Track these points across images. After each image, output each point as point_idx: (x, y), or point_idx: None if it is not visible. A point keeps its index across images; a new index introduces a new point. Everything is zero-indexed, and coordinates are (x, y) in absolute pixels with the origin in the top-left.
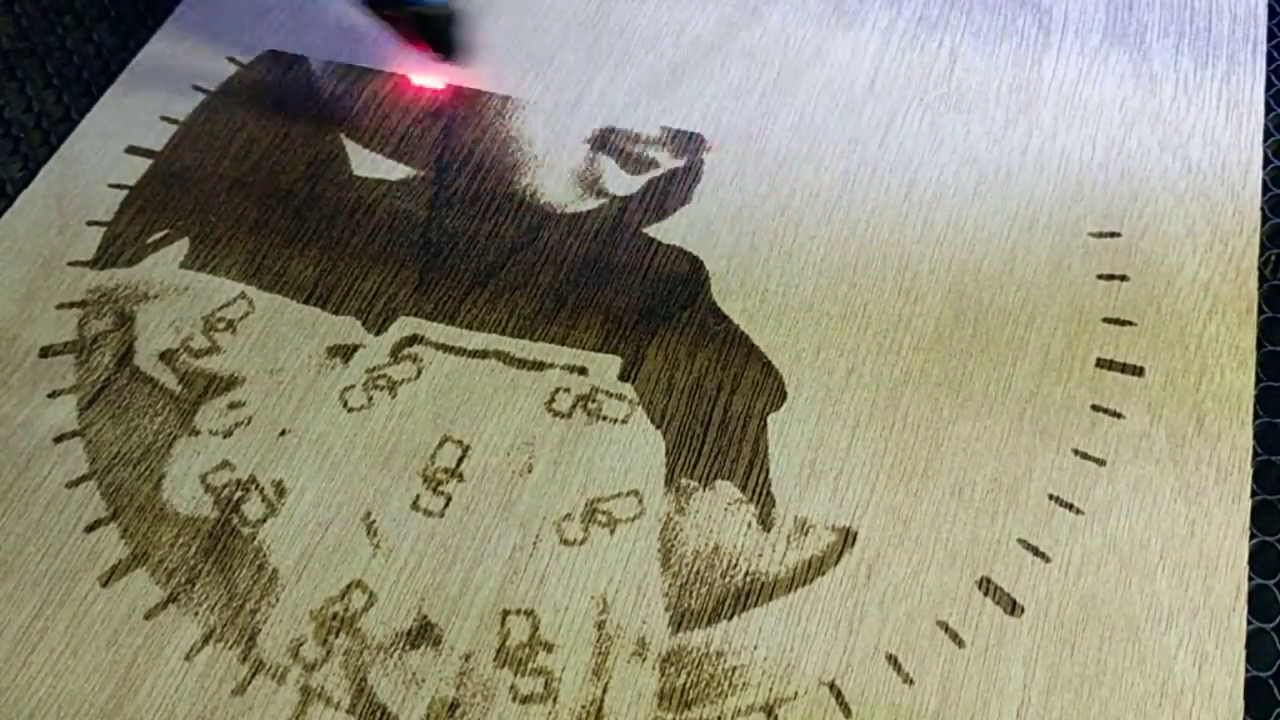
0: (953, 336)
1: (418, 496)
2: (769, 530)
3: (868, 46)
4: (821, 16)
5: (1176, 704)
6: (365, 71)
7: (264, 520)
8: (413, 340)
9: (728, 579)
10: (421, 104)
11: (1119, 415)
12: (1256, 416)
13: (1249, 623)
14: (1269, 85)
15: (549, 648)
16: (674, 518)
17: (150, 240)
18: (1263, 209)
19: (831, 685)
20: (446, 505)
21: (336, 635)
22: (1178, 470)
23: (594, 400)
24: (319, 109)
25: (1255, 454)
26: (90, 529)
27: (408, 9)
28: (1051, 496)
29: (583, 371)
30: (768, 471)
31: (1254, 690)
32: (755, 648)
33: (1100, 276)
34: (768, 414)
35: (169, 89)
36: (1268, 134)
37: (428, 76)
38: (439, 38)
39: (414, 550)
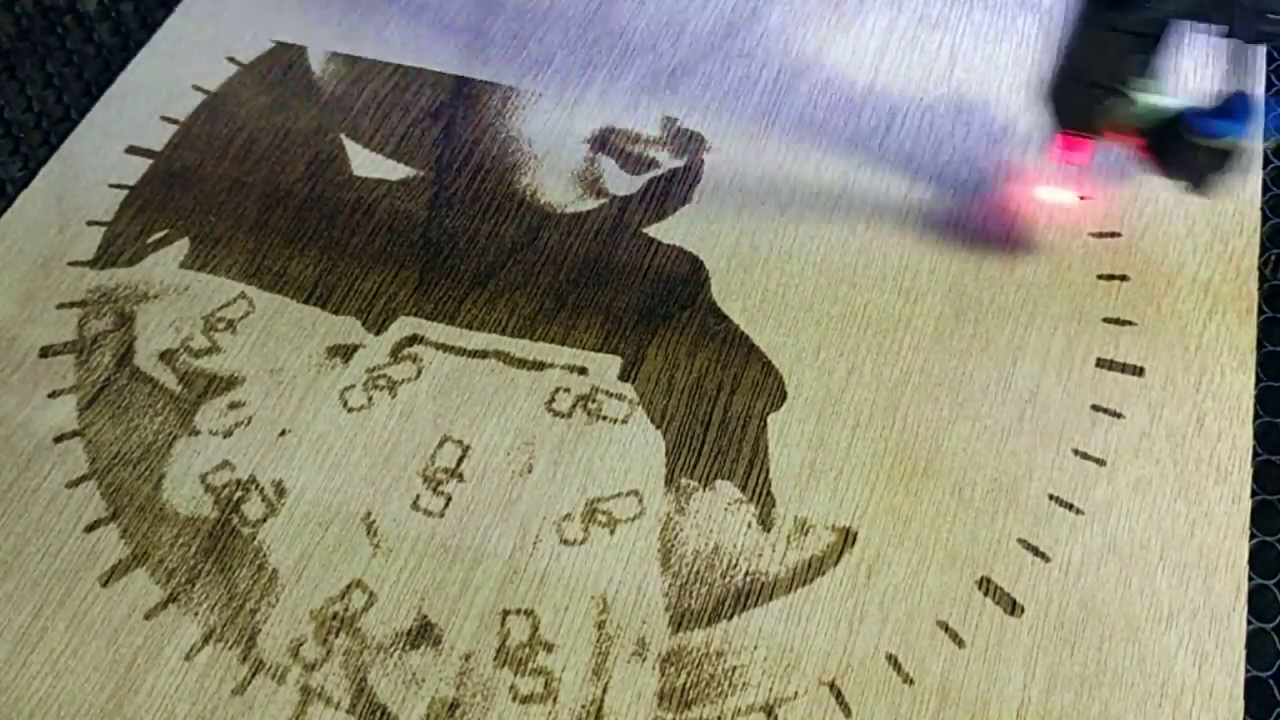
0: (953, 336)
1: (418, 496)
2: (769, 530)
3: (868, 46)
4: (821, 16)
5: (1176, 704)
6: (379, 65)
7: (264, 520)
8: (413, 340)
9: (728, 579)
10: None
11: (1119, 415)
12: (1256, 416)
13: (1249, 623)
14: (1269, 85)
15: (549, 648)
16: (674, 518)
17: (150, 240)
18: (1263, 209)
19: (831, 685)
20: (446, 505)
21: (336, 635)
22: (1178, 470)
23: (594, 400)
24: (319, 109)
25: (1255, 454)
26: (90, 529)
27: (1199, 138)
28: (1051, 496)
29: (583, 371)
30: (768, 471)
31: (1254, 690)
32: (755, 648)
33: (1100, 276)
34: (768, 414)
35: (169, 89)
36: (1268, 134)
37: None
38: (1211, 172)
39: (414, 550)
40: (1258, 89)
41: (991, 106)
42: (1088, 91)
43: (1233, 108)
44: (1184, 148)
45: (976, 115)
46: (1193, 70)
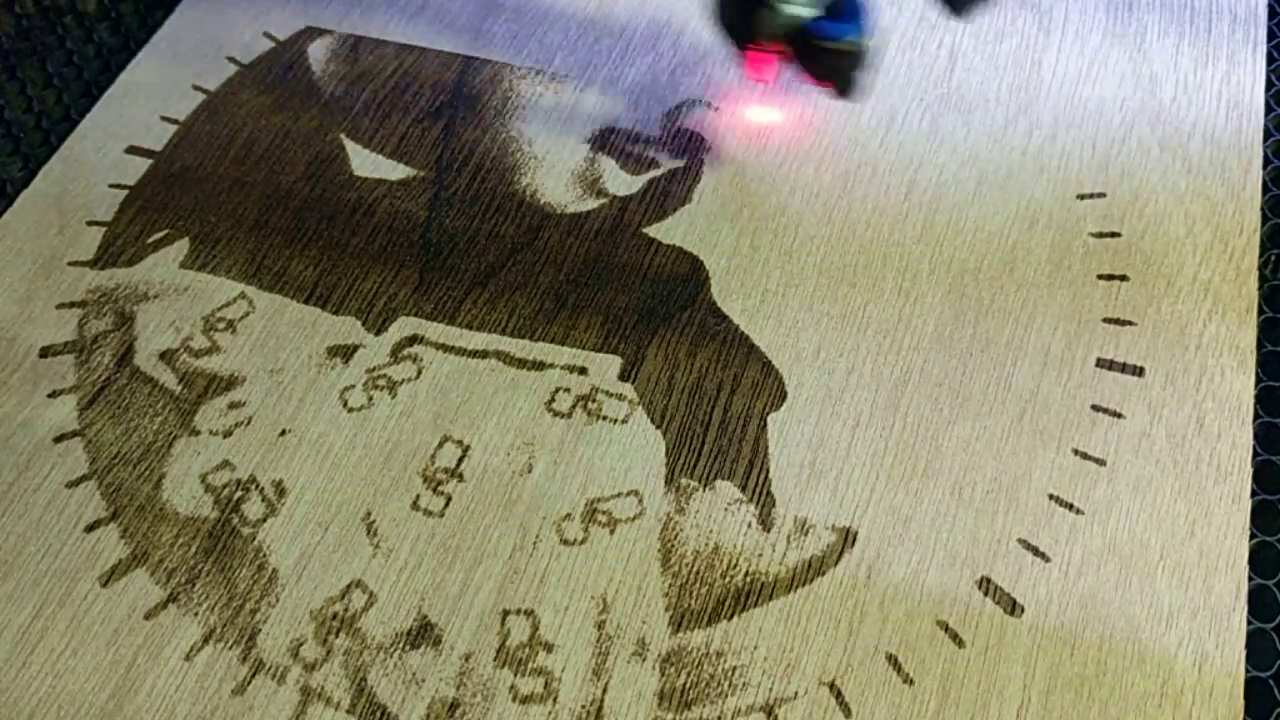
0: (953, 336)
1: (418, 496)
2: (769, 530)
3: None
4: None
5: (1176, 704)
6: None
7: (264, 520)
8: (413, 340)
9: (728, 579)
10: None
11: (1119, 415)
12: (1256, 416)
13: (1249, 623)
14: (1269, 85)
15: (549, 648)
16: (674, 518)
17: (150, 240)
18: (1263, 209)
19: (831, 685)
20: (446, 505)
21: (336, 635)
22: (1178, 470)
23: (594, 400)
24: (319, 109)
25: (1255, 454)
26: (90, 529)
27: (820, 42)
28: (1051, 496)
29: (583, 371)
30: (768, 471)
31: (1254, 690)
32: (755, 648)
33: (1100, 276)
34: (768, 414)
35: (169, 89)
36: (1268, 134)
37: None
38: (844, 74)
39: (414, 550)
40: None
41: (991, 106)
42: (745, 6)
43: (845, 11)
44: (815, 53)
45: (976, 115)
46: None
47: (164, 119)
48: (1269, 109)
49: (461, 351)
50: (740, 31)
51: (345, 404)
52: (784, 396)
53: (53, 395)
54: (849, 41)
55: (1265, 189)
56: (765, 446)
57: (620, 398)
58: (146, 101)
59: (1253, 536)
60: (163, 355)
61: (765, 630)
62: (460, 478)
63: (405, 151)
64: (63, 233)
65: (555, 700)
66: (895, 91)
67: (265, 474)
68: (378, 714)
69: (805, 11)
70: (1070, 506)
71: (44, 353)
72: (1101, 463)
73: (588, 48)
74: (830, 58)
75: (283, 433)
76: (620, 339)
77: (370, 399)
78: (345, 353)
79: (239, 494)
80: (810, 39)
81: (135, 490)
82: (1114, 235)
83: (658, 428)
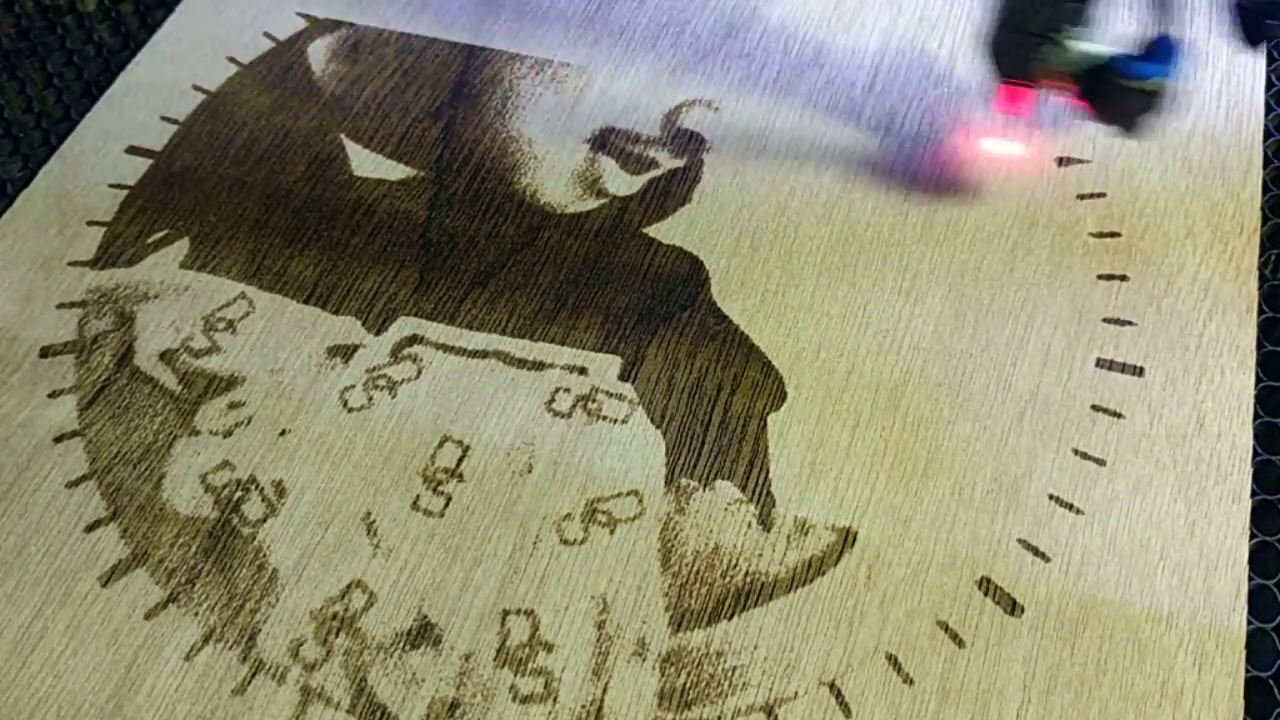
0: (953, 336)
1: (418, 496)
2: (769, 530)
3: (868, 46)
4: (822, 16)
5: (1176, 704)
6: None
7: (264, 520)
8: (413, 340)
9: (728, 579)
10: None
11: (1119, 415)
12: (1256, 416)
13: (1249, 623)
14: (1269, 85)
15: (549, 648)
16: (674, 518)
17: (150, 240)
18: (1263, 209)
19: (831, 685)
20: (446, 505)
21: (336, 635)
22: (1178, 470)
23: (594, 400)
24: (319, 109)
25: (1255, 454)
26: (90, 529)
27: (1127, 81)
28: (1051, 496)
29: (583, 371)
30: (768, 471)
31: (1254, 690)
32: (755, 648)
33: (1100, 276)
34: (768, 414)
35: (169, 89)
36: (1268, 134)
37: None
38: (1141, 114)
39: (414, 550)
40: (1180, 32)
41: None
42: (1025, 41)
43: (1157, 51)
44: (1114, 92)
45: (976, 115)
46: (1121, 18)
47: (164, 119)
48: (1269, 109)
49: (461, 351)
50: (1011, 64)
51: (345, 404)
52: (784, 396)
53: (53, 395)
54: (1156, 82)
55: (1265, 189)
56: (765, 446)
57: (620, 398)
58: (146, 101)
59: (1253, 536)
60: (163, 355)
61: (765, 630)
62: (460, 478)
63: (405, 151)
64: (63, 233)
65: (555, 700)
66: (895, 91)
67: (265, 474)
68: (378, 714)
69: (1102, 49)
70: (1070, 506)
71: (44, 353)
72: (1101, 463)
73: (588, 48)
74: (1131, 97)
75: (283, 433)
76: (620, 339)
77: (370, 399)
78: (345, 353)
79: (239, 494)
80: (1114, 77)
81: (135, 490)
82: (1114, 235)
83: (658, 428)
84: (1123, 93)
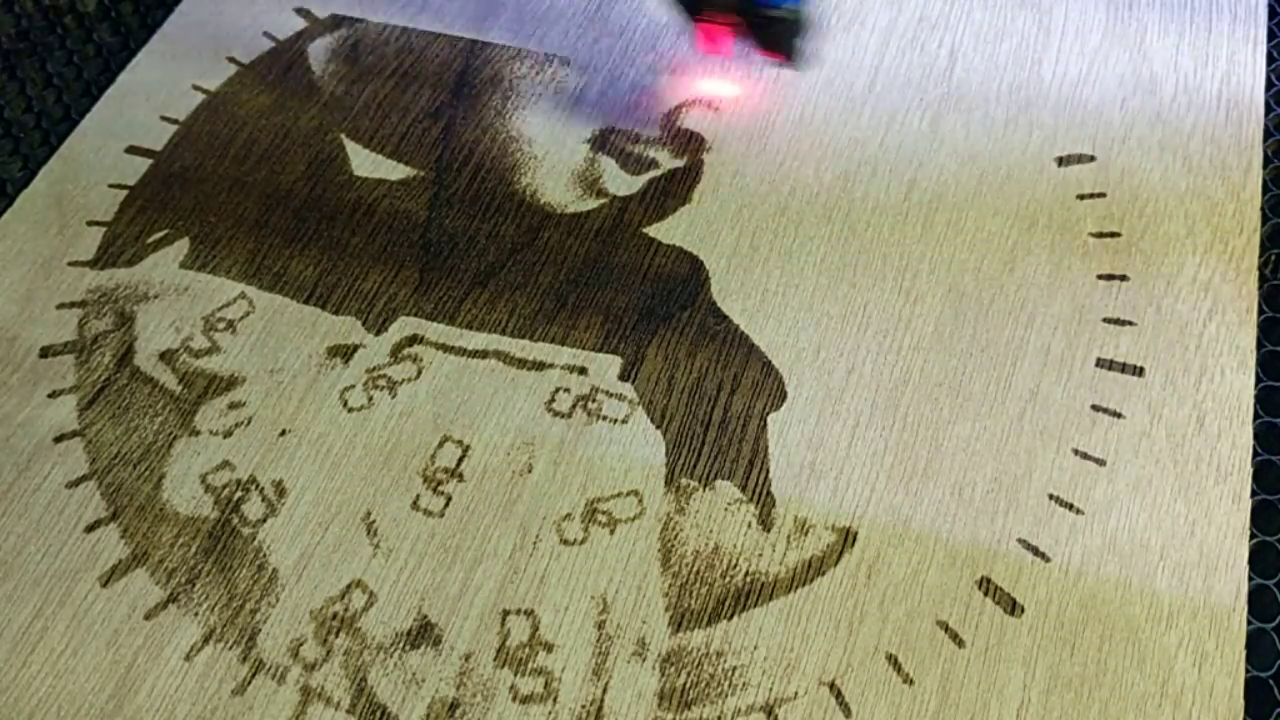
0: (953, 336)
1: (418, 496)
2: (769, 530)
3: (868, 46)
4: (821, 16)
5: (1176, 704)
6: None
7: (264, 520)
8: (413, 340)
9: (728, 579)
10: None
11: (1119, 415)
12: (1256, 416)
13: (1249, 623)
14: (1269, 85)
15: (549, 648)
16: (674, 518)
17: (150, 240)
18: (1263, 209)
19: (831, 685)
20: (446, 505)
21: (336, 635)
22: (1178, 470)
23: (594, 400)
24: (319, 109)
25: (1255, 454)
26: (90, 529)
27: (761, 11)
28: (1051, 496)
29: (583, 371)
30: (768, 471)
31: (1254, 690)
32: (755, 648)
33: (1100, 276)
34: (768, 414)
35: (169, 89)
36: (1268, 134)
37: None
38: (787, 43)
39: (414, 550)
40: None
41: (991, 106)
42: None
43: None
44: (762, 23)
45: (976, 115)
46: None
47: (164, 119)
48: (1269, 109)
49: (461, 351)
50: (688, 3)
51: (345, 404)
52: (784, 396)
53: (53, 395)
54: (788, 10)
55: (1265, 189)
56: (765, 446)
57: (620, 398)
58: (146, 101)
59: (1253, 536)
60: (163, 355)
61: (765, 630)
62: (460, 478)
63: (405, 151)
64: (63, 233)
65: (555, 700)
66: (895, 91)
67: (265, 474)
68: (378, 714)
69: None
70: (1070, 506)
71: (44, 353)
72: (1101, 463)
73: (588, 48)
74: (773, 27)
75: (283, 433)
76: (620, 339)
77: (370, 399)
78: (345, 353)
79: (239, 494)
80: (753, 9)
81: (135, 490)
82: (1114, 235)
83: (658, 428)
84: (768, 23)
